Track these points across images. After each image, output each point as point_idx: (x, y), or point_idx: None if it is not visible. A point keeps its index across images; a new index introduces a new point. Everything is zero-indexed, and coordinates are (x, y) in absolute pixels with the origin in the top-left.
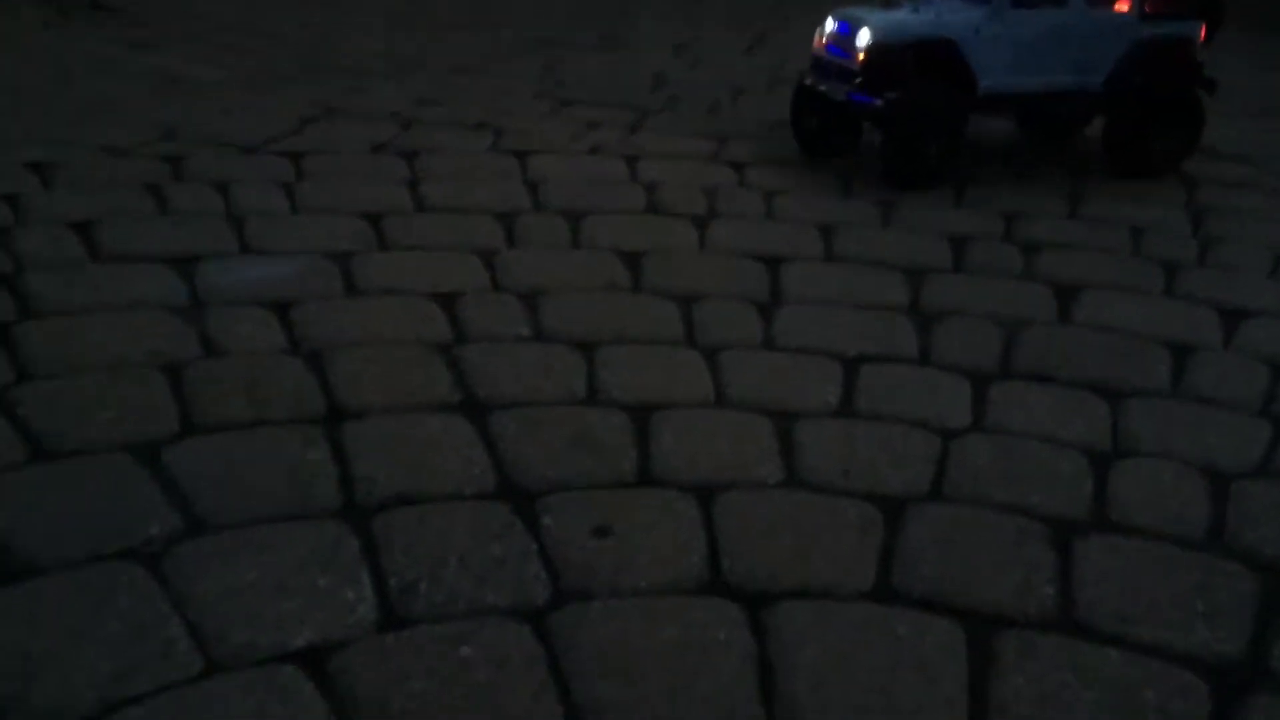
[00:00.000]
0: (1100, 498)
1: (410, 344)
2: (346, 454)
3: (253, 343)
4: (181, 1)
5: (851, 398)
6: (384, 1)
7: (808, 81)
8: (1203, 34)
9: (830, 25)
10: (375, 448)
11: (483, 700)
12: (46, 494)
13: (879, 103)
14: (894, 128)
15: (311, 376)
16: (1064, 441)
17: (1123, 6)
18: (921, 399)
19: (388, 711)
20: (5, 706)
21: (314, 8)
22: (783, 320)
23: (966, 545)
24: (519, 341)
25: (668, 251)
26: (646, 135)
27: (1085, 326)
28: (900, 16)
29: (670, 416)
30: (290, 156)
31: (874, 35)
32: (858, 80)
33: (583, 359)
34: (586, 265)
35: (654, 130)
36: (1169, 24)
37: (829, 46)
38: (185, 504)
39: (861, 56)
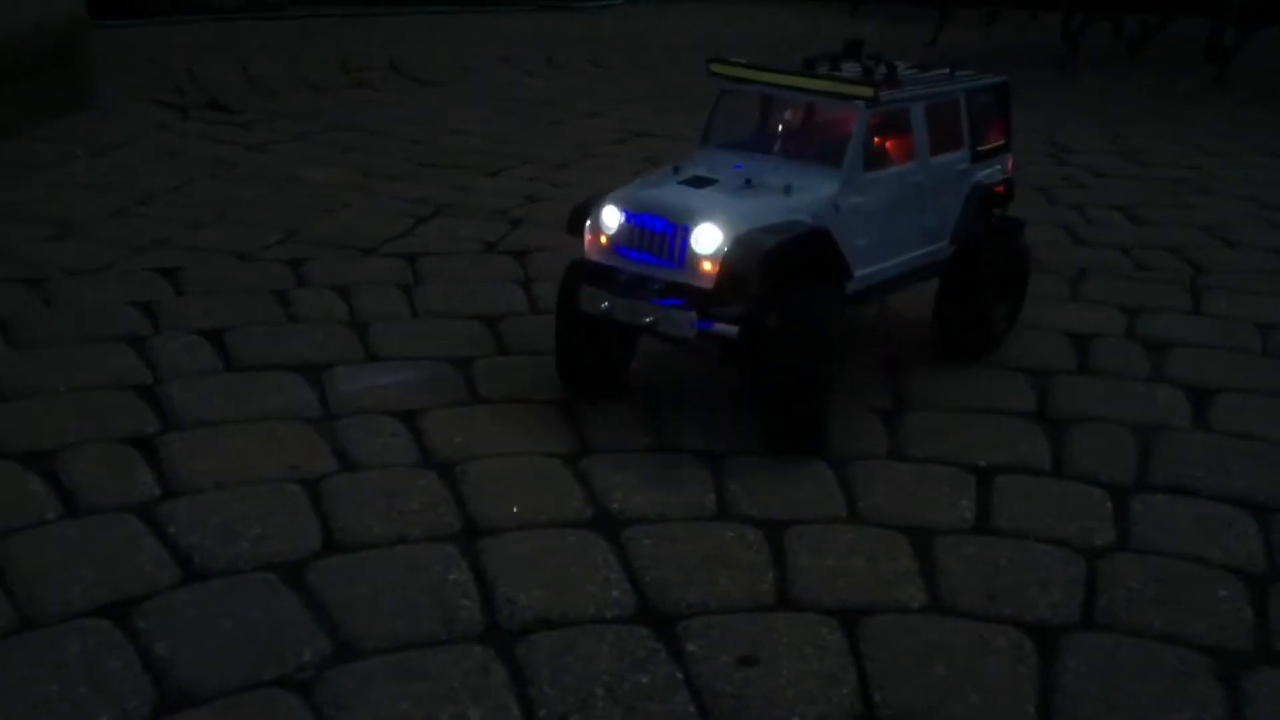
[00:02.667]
0: (1262, 626)
1: (539, 456)
2: (486, 574)
3: (386, 455)
4: (292, 101)
5: (988, 512)
6: (488, 96)
7: (602, 306)
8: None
9: (615, 217)
10: (514, 567)
11: None
12: (202, 617)
13: (744, 332)
14: (780, 366)
15: (446, 490)
16: (1215, 563)
17: (960, 148)
18: (1060, 514)
19: None
20: None
21: (421, 100)
22: (909, 427)
23: (1128, 679)
24: (645, 452)
25: None
26: None
27: (1223, 434)
28: (737, 201)
29: (804, 533)
30: (406, 258)
31: (729, 235)
32: (708, 302)
33: (710, 471)
34: (701, 369)
35: None
36: (994, 160)
37: (620, 249)
38: (334, 627)
39: (710, 267)
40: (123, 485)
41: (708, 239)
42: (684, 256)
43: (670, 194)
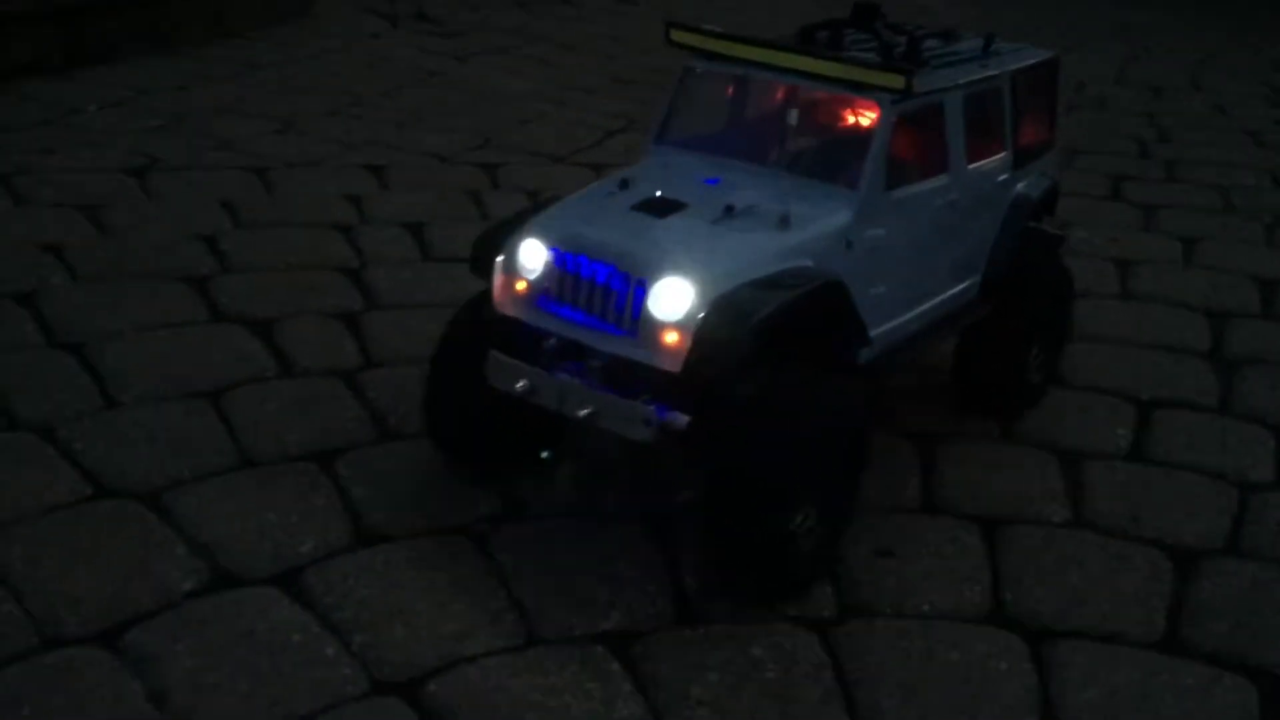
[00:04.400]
0: None
1: None
2: None
3: None
4: (496, 15)
5: (1144, 443)
6: (684, 16)
7: (518, 386)
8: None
9: (539, 255)
10: None
11: (772, 697)
12: (394, 469)
13: (704, 423)
14: (749, 478)
15: None
16: None
17: (1000, 152)
18: (1219, 449)
19: (687, 696)
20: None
21: (619, 19)
22: (1074, 357)
23: (1263, 605)
24: None
25: None
26: None
27: None
28: (716, 239)
29: (953, 448)
30: (593, 167)
31: (704, 294)
32: (672, 390)
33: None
34: None
35: None
36: (1038, 164)
37: (544, 301)
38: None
39: (676, 340)
40: (330, 353)
41: (674, 299)
42: (638, 322)
43: (619, 226)
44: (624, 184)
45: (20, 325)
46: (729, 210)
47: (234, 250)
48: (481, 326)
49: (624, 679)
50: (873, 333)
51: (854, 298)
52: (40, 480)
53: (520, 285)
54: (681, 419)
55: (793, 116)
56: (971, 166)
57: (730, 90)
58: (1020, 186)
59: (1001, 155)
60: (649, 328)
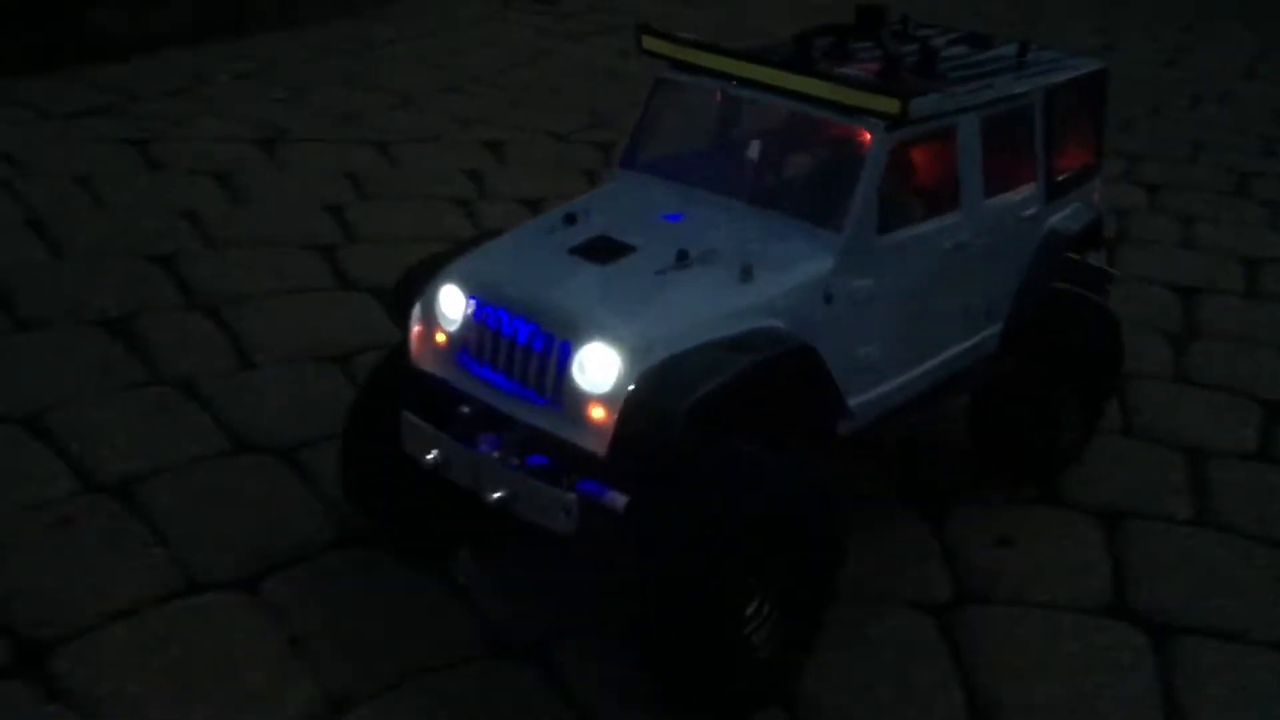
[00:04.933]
0: None
1: None
2: None
3: None
4: None
5: (1270, 442)
6: (794, 5)
7: (428, 457)
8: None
9: (458, 304)
10: None
11: (889, 678)
12: None
13: (638, 507)
14: (684, 572)
15: None
16: None
17: (1028, 181)
18: None
19: (804, 669)
20: None
21: (733, 5)
22: (1198, 355)
23: None
24: None
25: None
26: None
27: None
28: (658, 293)
29: None
30: None
31: (634, 364)
32: (599, 471)
33: None
34: None
35: None
36: (1077, 193)
37: (464, 357)
38: None
39: (602, 416)
40: None
41: (599, 368)
42: (561, 391)
43: (548, 275)
44: (569, 218)
45: (161, 286)
46: (682, 257)
47: (358, 220)
48: (402, 379)
49: None
50: (858, 400)
51: (832, 361)
52: (184, 433)
53: (440, 337)
54: (619, 500)
55: (773, 143)
56: (990, 201)
57: (707, 108)
58: (1054, 220)
59: (1029, 186)
60: (572, 399)
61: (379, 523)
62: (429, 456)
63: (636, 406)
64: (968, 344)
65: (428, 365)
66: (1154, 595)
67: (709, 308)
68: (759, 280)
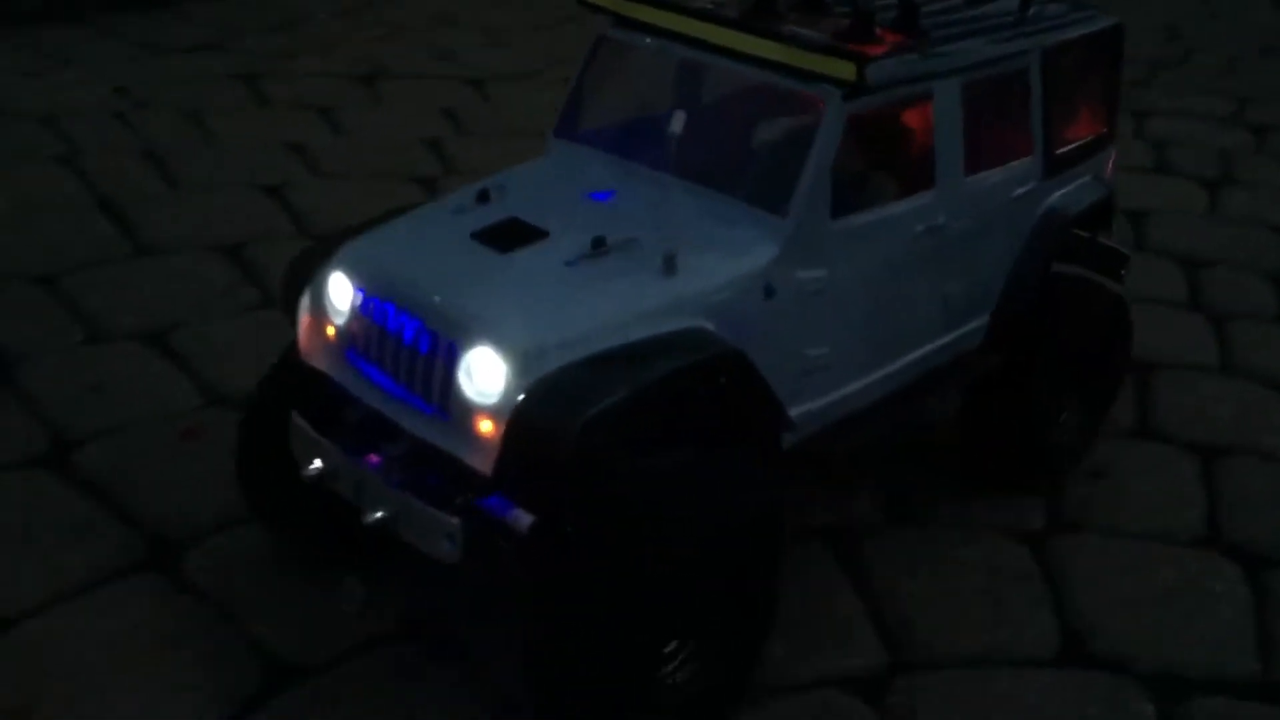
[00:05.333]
0: None
1: None
2: None
3: None
4: None
5: None
6: None
7: (311, 468)
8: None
9: (345, 294)
10: None
11: (981, 598)
12: None
13: (541, 533)
14: (586, 603)
15: None
16: None
17: (1023, 154)
18: None
19: (897, 590)
20: None
21: None
22: None
23: None
24: None
25: (1174, 213)
26: (1156, 91)
27: None
28: (560, 288)
29: (1170, 375)
30: None
31: (523, 372)
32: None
33: None
34: None
35: (1164, 86)
36: (1084, 166)
37: (352, 354)
38: None
39: (490, 429)
40: None
41: (487, 375)
42: (448, 399)
43: (443, 264)
44: (483, 196)
45: (274, 216)
46: (598, 245)
47: (457, 154)
48: (294, 375)
49: (837, 569)
50: (807, 407)
51: (774, 364)
52: None
53: (329, 330)
54: (524, 519)
55: (722, 113)
56: (974, 178)
57: (653, 70)
58: (1054, 198)
59: (1024, 160)
60: (460, 409)
61: (275, 534)
62: (312, 466)
63: (523, 421)
64: (947, 339)
65: (317, 361)
66: (1248, 530)
67: (623, 305)
68: (685, 272)
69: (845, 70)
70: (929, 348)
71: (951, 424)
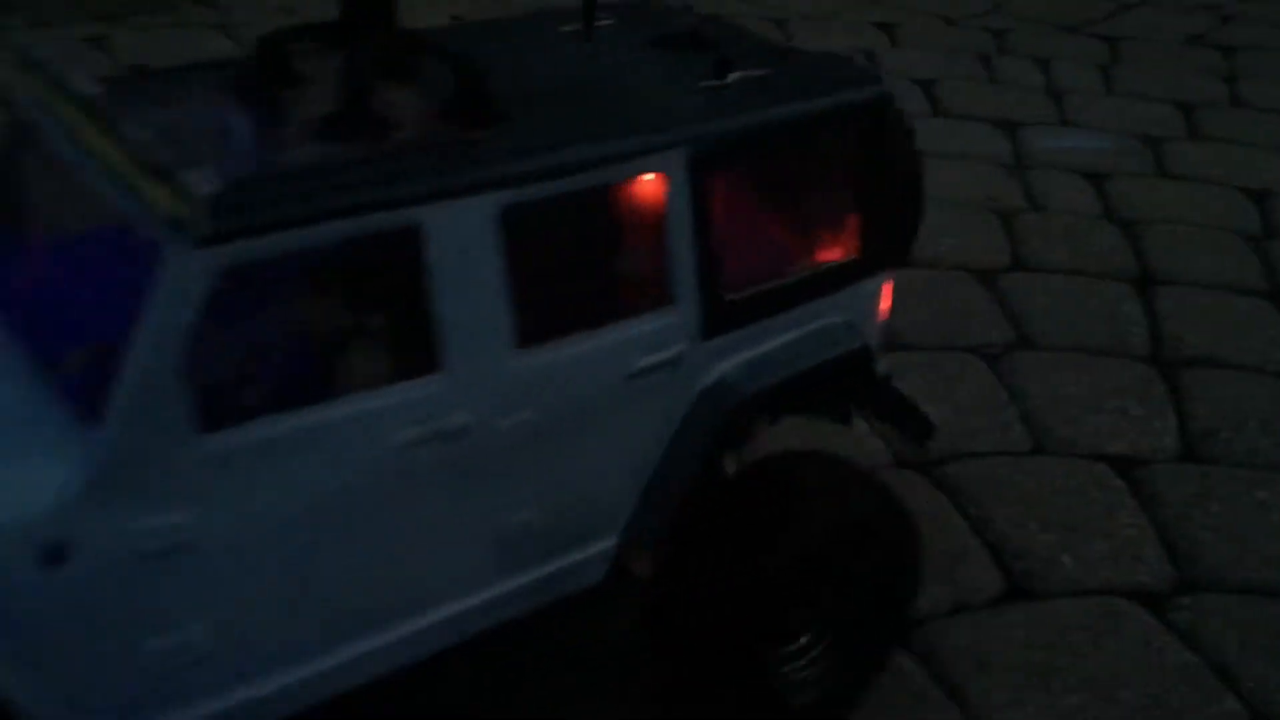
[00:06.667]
0: None
1: (1218, 230)
2: (1158, 313)
3: (1071, 204)
4: None
5: None
6: None
7: None
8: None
9: None
10: (1184, 312)
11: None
12: (904, 301)
13: None
14: None
15: (1125, 242)
16: None
17: (654, 305)
18: None
19: (1188, 522)
20: None
21: None
22: None
23: None
24: None
25: None
26: None
27: None
28: None
29: None
30: (1107, 40)
31: None
32: None
33: None
34: None
35: None
36: (804, 312)
37: None
38: (1017, 322)
39: None
40: None
41: None
42: None
43: None
44: None
45: None
46: None
47: None
48: None
49: (1127, 494)
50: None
51: (80, 669)
52: None
53: None
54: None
55: (68, 242)
56: (534, 349)
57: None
58: (730, 366)
59: (657, 314)
60: None
61: None
62: None
63: None
64: (510, 585)
65: None
66: None
67: None
68: None
69: (177, 207)
70: (467, 603)
71: None
